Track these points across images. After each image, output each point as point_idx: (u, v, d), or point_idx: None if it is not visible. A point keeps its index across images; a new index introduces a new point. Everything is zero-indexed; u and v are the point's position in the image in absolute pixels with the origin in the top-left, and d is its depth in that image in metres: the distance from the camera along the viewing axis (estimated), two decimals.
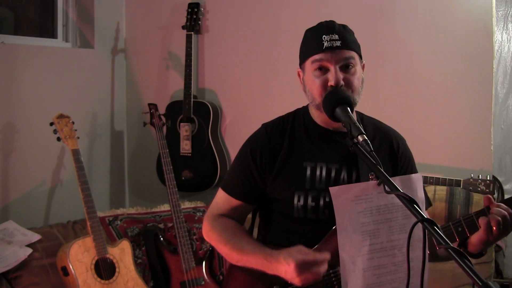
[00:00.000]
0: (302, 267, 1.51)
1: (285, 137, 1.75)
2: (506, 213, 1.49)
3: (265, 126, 1.81)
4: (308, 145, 1.73)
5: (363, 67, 1.70)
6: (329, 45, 1.60)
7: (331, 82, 1.59)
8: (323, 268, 1.53)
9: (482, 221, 1.48)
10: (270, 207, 1.79)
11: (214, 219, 1.81)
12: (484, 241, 1.51)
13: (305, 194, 1.69)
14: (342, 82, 1.59)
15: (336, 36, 1.61)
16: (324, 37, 1.60)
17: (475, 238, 1.52)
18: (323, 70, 1.62)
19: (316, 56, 1.62)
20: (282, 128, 1.77)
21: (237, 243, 1.71)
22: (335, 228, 1.43)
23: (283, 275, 1.57)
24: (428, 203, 1.79)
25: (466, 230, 1.54)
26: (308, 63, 1.65)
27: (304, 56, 1.68)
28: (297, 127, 1.77)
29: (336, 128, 1.71)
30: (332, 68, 1.60)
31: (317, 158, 1.71)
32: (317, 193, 1.69)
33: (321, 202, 1.69)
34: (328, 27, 1.64)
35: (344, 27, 1.66)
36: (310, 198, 1.69)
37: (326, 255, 1.55)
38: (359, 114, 1.81)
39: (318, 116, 1.73)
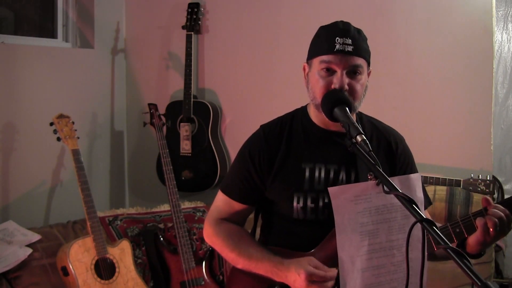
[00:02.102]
0: (312, 280, 1.54)
1: (283, 139, 1.75)
2: (503, 214, 1.48)
3: (263, 127, 1.80)
4: (306, 146, 1.73)
5: (369, 74, 1.69)
6: (341, 48, 1.58)
7: (335, 85, 1.58)
8: (331, 284, 1.56)
9: (479, 222, 1.47)
10: (271, 209, 1.80)
11: (217, 224, 1.82)
12: (481, 242, 1.50)
13: (304, 196, 1.69)
14: (346, 87, 1.58)
15: (350, 41, 1.59)
16: (337, 39, 1.59)
17: (472, 239, 1.52)
18: (329, 71, 1.61)
19: (326, 57, 1.60)
20: (280, 129, 1.77)
21: (244, 249, 1.73)
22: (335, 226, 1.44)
23: (291, 284, 1.60)
24: (428, 202, 1.79)
25: (464, 231, 1.54)
26: (316, 62, 1.64)
27: (313, 53, 1.67)
28: (296, 128, 1.76)
29: (334, 129, 1.70)
30: (339, 71, 1.59)
31: (316, 159, 1.71)
32: (316, 194, 1.69)
33: (320, 203, 1.69)
34: (343, 29, 1.62)
35: (359, 32, 1.65)
36: (309, 199, 1.69)
37: (335, 271, 1.56)
38: (358, 113, 1.81)
39: (317, 116, 1.73)
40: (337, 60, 1.59)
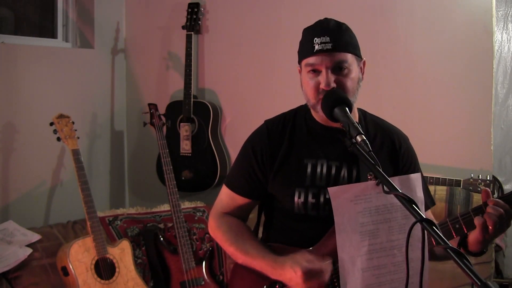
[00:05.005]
0: (308, 275, 1.54)
1: (286, 134, 1.76)
2: (502, 211, 1.47)
3: (266, 123, 1.82)
4: (309, 142, 1.74)
5: (363, 64, 1.69)
6: (320, 48, 1.59)
7: (322, 85, 1.60)
8: (327, 276, 1.56)
9: (477, 221, 1.47)
10: (272, 205, 1.81)
11: (219, 217, 1.84)
12: (481, 241, 1.50)
13: (306, 191, 1.70)
14: (333, 85, 1.59)
15: (328, 38, 1.59)
16: (315, 40, 1.60)
17: (472, 237, 1.52)
18: (316, 72, 1.62)
19: (309, 60, 1.62)
20: (283, 125, 1.78)
21: (241, 245, 1.74)
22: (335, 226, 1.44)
23: (287, 282, 1.60)
24: (431, 202, 1.79)
25: (464, 227, 1.53)
26: (303, 65, 1.67)
27: (300, 57, 1.70)
28: (299, 124, 1.78)
29: (336, 126, 1.70)
30: (323, 71, 1.60)
31: (318, 155, 1.72)
32: (318, 190, 1.70)
33: (322, 199, 1.69)
34: (321, 28, 1.63)
35: (339, 26, 1.64)
36: (310, 194, 1.70)
37: (330, 265, 1.57)
38: (362, 112, 1.81)
39: (316, 115, 1.73)
40: (319, 61, 1.60)
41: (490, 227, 1.45)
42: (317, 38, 1.60)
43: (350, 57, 1.62)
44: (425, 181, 1.76)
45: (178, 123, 3.44)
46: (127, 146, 3.80)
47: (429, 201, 1.75)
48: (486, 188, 1.54)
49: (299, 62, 1.70)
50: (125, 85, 3.77)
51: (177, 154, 3.42)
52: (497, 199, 1.50)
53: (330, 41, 1.59)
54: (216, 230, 1.83)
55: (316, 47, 1.59)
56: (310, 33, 1.64)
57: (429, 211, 1.77)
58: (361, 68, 1.68)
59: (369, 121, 1.79)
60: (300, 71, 1.73)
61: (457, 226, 1.54)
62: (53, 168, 3.21)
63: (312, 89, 1.62)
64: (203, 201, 3.32)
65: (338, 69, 1.60)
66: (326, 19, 1.67)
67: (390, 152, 1.76)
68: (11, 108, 3.00)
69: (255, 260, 1.69)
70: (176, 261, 2.88)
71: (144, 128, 3.36)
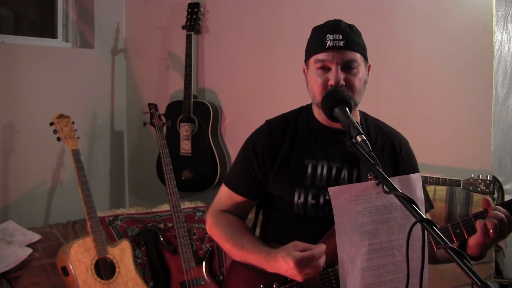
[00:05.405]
0: (302, 263, 1.53)
1: (287, 134, 1.76)
2: (503, 216, 1.48)
3: (268, 122, 1.82)
4: (310, 143, 1.74)
5: (368, 68, 1.70)
6: (332, 44, 1.60)
7: (331, 82, 1.60)
8: (322, 260, 1.55)
9: (478, 224, 1.48)
10: (271, 204, 1.81)
11: (217, 214, 1.84)
12: (481, 244, 1.50)
13: (306, 191, 1.70)
14: (342, 82, 1.59)
15: (340, 36, 1.61)
16: (328, 36, 1.61)
17: (472, 241, 1.52)
18: (325, 69, 1.63)
19: (319, 56, 1.63)
20: (284, 125, 1.78)
21: (238, 240, 1.74)
22: (335, 226, 1.44)
23: (284, 274, 1.60)
24: (430, 206, 1.79)
25: (464, 232, 1.54)
26: (311, 61, 1.66)
27: (308, 54, 1.70)
28: (300, 124, 1.78)
29: (338, 127, 1.71)
30: (333, 67, 1.61)
31: (319, 156, 1.72)
32: (318, 190, 1.70)
33: (321, 200, 1.69)
34: (333, 26, 1.64)
35: (350, 27, 1.66)
36: (310, 195, 1.70)
37: (322, 247, 1.56)
38: (363, 114, 1.82)
39: (320, 115, 1.74)
40: (330, 57, 1.61)
41: (490, 231, 1.46)
42: (330, 35, 1.61)
43: (359, 57, 1.64)
44: (424, 185, 1.77)
45: (178, 123, 3.44)
46: (127, 146, 3.80)
47: (428, 205, 1.76)
48: (487, 197, 1.55)
49: (307, 59, 1.70)
50: (125, 85, 3.77)
51: (177, 154, 3.42)
52: (497, 206, 1.51)
53: (343, 38, 1.61)
54: (213, 227, 1.83)
55: (328, 43, 1.60)
56: (321, 30, 1.65)
57: (427, 215, 1.77)
58: (367, 69, 1.69)
59: (370, 124, 1.80)
60: (305, 71, 1.73)
61: (458, 231, 1.55)
62: (53, 168, 3.21)
63: (320, 86, 1.62)
64: (203, 201, 3.32)
65: (347, 67, 1.61)
66: (335, 20, 1.68)
67: (391, 155, 1.76)
68: (11, 108, 3.00)
69: (251, 254, 1.69)
70: (176, 261, 2.88)
71: (144, 128, 3.36)
